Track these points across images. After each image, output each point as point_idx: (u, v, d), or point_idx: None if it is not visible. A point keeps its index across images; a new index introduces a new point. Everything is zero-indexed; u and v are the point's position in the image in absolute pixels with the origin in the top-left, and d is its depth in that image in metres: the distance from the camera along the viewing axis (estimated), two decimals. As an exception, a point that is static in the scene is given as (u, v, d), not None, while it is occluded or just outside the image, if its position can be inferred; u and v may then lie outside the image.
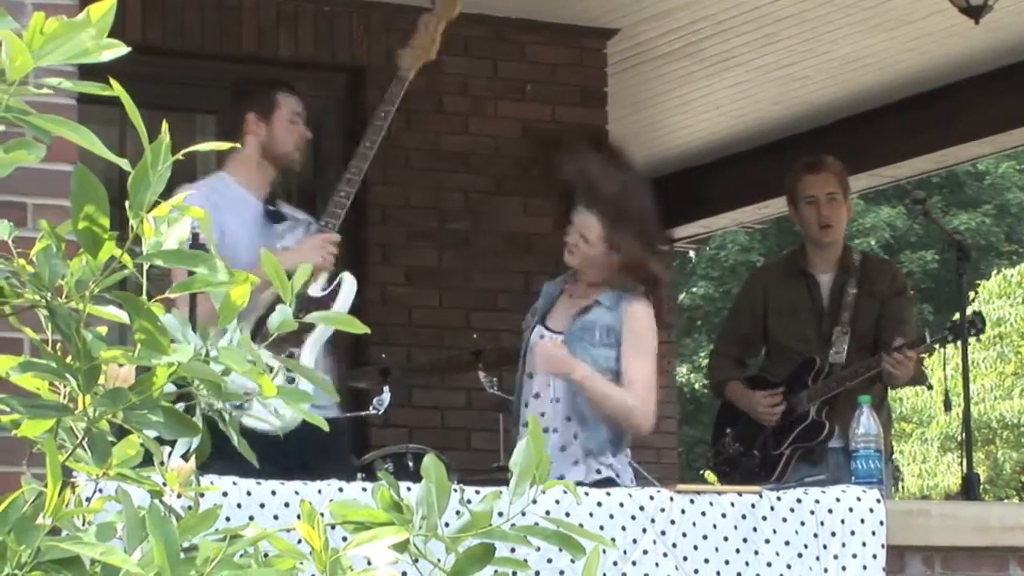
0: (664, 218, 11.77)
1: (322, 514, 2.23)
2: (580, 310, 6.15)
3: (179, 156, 2.14)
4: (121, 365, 2.16)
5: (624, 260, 6.08)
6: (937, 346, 7.51)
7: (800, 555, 5.48)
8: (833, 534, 5.52)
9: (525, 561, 2.36)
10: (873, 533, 5.54)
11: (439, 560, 2.21)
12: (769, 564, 5.44)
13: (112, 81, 2.12)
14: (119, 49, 2.08)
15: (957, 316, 7.24)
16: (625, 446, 6.06)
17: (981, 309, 21.69)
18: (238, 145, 2.32)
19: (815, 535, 5.51)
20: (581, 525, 5.13)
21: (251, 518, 4.84)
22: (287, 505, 4.92)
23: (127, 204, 2.12)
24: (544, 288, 6.36)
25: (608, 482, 5.87)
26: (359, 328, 2.26)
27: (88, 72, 2.19)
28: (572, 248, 6.14)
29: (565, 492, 4.75)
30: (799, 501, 5.54)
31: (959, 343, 7.21)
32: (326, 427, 2.37)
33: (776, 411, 7.27)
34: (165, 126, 2.16)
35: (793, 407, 7.28)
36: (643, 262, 6.12)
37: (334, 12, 8.84)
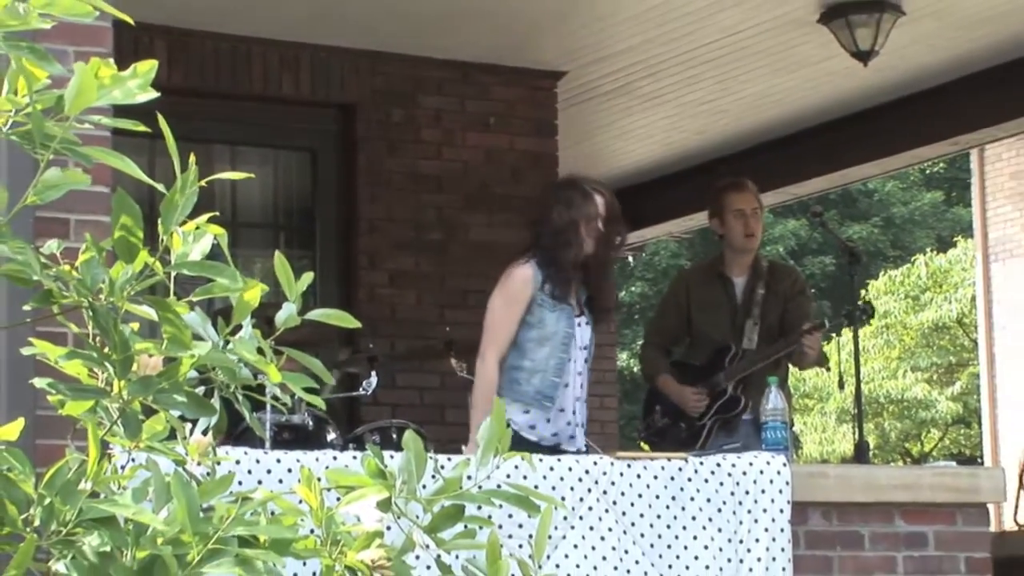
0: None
1: (319, 478, 2.23)
2: (582, 299, 6.23)
3: (203, 183, 2.14)
4: (151, 356, 2.16)
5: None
6: (834, 334, 7.52)
7: (719, 510, 5.49)
8: (747, 492, 5.53)
9: (489, 517, 2.37)
10: (780, 491, 5.55)
11: (417, 517, 2.21)
12: (694, 518, 5.45)
13: (161, 121, 2.14)
14: (151, 94, 2.09)
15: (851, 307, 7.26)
16: None
17: (871, 302, 21.82)
18: (252, 175, 2.31)
19: (732, 493, 5.52)
20: (536, 487, 5.14)
21: (259, 482, 4.83)
22: (289, 471, 4.91)
23: (158, 221, 2.13)
24: (532, 274, 6.15)
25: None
26: (352, 323, 2.26)
27: (121, 109, 2.20)
28: (595, 233, 6.16)
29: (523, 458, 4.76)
30: (718, 465, 5.55)
31: (852, 332, 7.24)
32: (323, 406, 2.38)
33: (702, 406, 7.29)
34: (193, 158, 2.17)
35: (714, 386, 7.31)
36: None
37: (328, 57, 8.83)
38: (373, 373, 6.92)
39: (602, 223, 6.14)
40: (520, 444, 5.86)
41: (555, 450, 5.96)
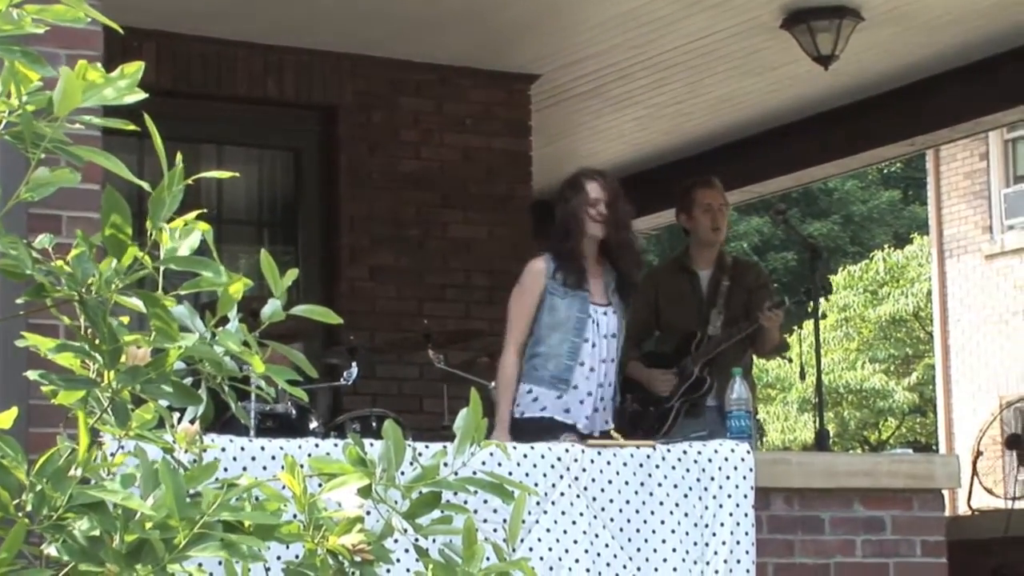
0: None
1: (302, 466, 2.23)
2: (611, 287, 6.25)
3: (190, 181, 2.14)
4: (139, 347, 2.15)
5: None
6: (796, 327, 7.52)
7: (686, 495, 5.50)
8: (712, 479, 5.54)
9: (465, 503, 2.36)
10: (744, 477, 5.56)
11: (396, 503, 2.21)
12: (661, 503, 5.46)
13: (147, 120, 2.13)
14: (139, 95, 2.09)
15: (810, 301, 7.27)
16: None
17: (828, 277, 21.94)
18: (237, 174, 2.29)
19: (698, 479, 5.53)
20: (510, 473, 5.14)
21: (244, 469, 4.83)
22: (273, 458, 4.91)
23: (147, 217, 2.12)
24: (543, 267, 6.20)
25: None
26: (334, 319, 2.26)
27: (111, 109, 2.19)
28: (599, 217, 6.15)
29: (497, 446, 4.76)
30: (685, 452, 5.56)
31: (813, 324, 7.25)
32: (305, 398, 2.37)
33: (670, 384, 7.29)
34: (179, 157, 2.16)
35: (682, 370, 7.31)
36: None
37: (311, 60, 8.81)
38: (354, 364, 6.91)
39: (604, 206, 6.16)
40: (554, 426, 5.95)
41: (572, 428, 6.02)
